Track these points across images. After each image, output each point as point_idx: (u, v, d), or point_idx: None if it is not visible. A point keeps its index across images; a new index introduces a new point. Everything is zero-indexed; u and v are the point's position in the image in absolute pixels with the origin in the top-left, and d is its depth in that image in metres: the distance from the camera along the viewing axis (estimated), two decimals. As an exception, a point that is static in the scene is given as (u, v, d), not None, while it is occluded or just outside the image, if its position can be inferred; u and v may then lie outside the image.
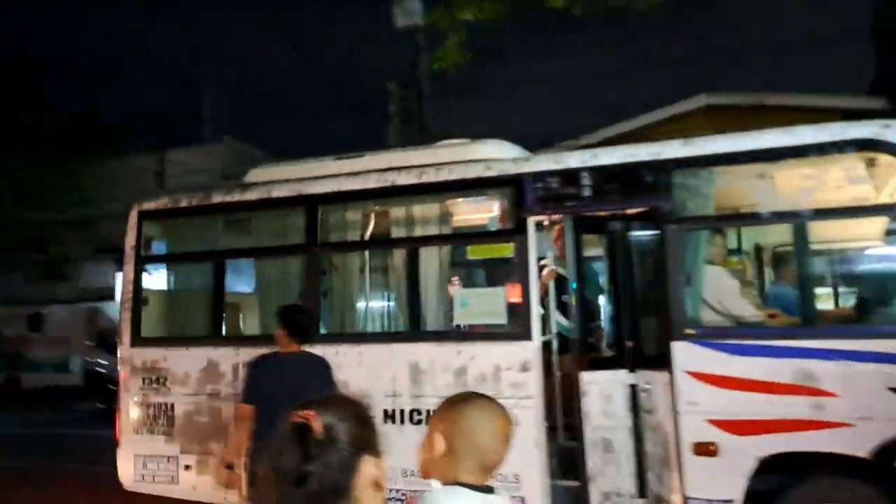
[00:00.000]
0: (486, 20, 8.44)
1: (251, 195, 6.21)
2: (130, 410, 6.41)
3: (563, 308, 5.80)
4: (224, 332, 6.56)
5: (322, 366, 4.70)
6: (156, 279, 6.97)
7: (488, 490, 1.78)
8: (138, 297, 6.51)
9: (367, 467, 1.42)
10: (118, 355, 6.60)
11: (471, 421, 1.79)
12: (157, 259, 6.84)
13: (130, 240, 6.56)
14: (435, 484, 1.78)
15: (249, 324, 7.28)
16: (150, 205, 6.69)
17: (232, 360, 5.95)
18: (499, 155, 5.63)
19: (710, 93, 12.94)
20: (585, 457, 4.93)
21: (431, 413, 1.94)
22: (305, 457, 1.37)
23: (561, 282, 5.70)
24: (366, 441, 1.46)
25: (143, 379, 6.31)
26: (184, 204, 6.50)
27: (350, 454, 1.41)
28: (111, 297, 24.29)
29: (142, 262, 6.57)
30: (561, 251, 5.74)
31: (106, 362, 19.78)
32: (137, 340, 6.46)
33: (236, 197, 6.29)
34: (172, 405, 6.16)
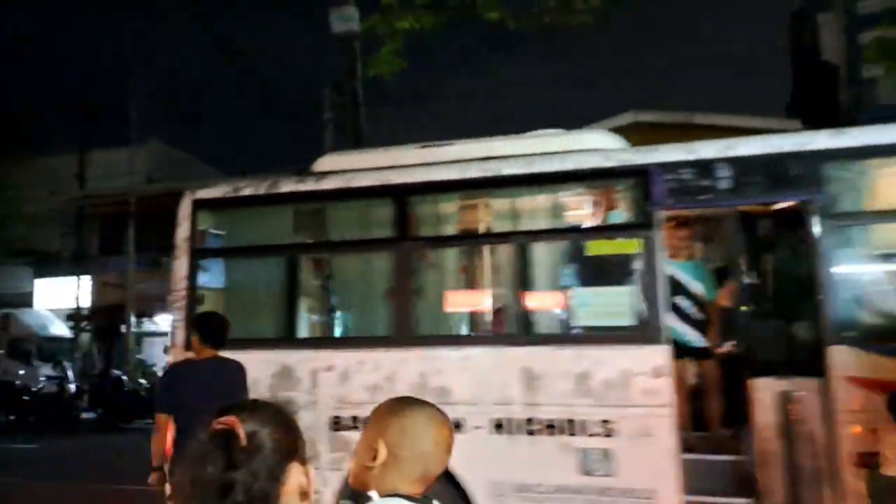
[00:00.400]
0: (424, 29, 8.47)
1: (328, 184, 5.65)
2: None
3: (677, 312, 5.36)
4: (299, 333, 5.93)
5: (237, 371, 4.60)
6: (212, 276, 6.18)
7: (427, 502, 1.68)
8: (194, 295, 5.78)
9: (294, 475, 1.38)
10: (169, 358, 5.88)
11: (417, 428, 1.69)
12: (215, 253, 6.16)
13: (183, 232, 5.85)
14: (374, 495, 1.66)
15: (325, 325, 6.57)
16: (206, 193, 5.98)
17: (309, 364, 5.38)
18: (609, 145, 5.33)
19: (638, 110, 13.33)
20: (756, 471, 4.61)
21: (367, 418, 1.78)
22: (229, 465, 1.31)
23: (673, 285, 5.23)
24: (292, 447, 1.41)
25: None
26: (247, 193, 5.85)
27: (276, 461, 1.36)
28: (28, 303, 23.20)
29: (197, 257, 5.84)
30: (676, 251, 5.43)
31: (22, 371, 18.80)
32: None
33: (311, 186, 5.72)
34: None
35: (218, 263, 6.19)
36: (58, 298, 22.66)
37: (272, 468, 1.35)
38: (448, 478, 4.68)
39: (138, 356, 20.07)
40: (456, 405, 4.77)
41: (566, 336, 5.08)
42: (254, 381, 5.33)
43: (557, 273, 5.42)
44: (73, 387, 17.96)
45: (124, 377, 17.74)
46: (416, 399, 1.81)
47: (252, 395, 5.35)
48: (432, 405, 1.78)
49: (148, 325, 20.86)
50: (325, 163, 6.00)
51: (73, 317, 21.29)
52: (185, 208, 5.91)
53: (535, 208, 5.53)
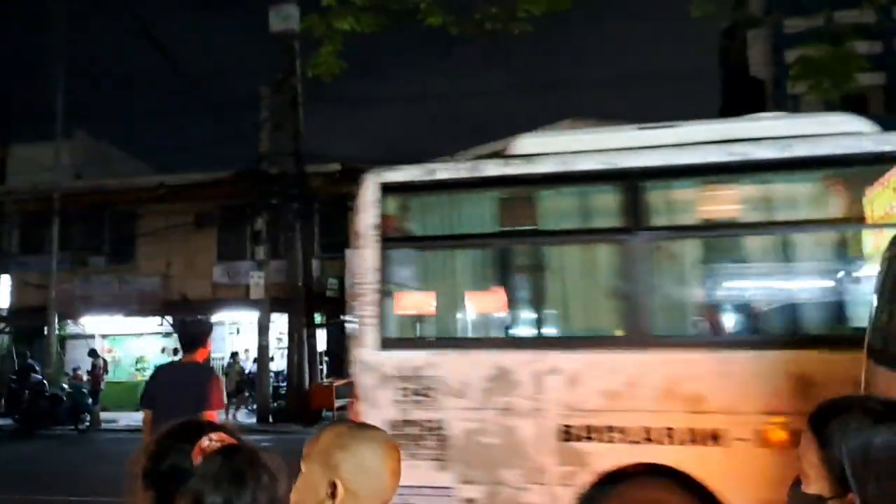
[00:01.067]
0: (364, 31, 8.39)
1: (543, 167, 5.09)
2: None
3: None
4: (515, 332, 5.49)
5: (203, 378, 4.60)
6: (401, 268, 5.60)
7: None
8: (384, 288, 5.21)
9: None
10: (356, 359, 5.19)
11: (374, 461, 1.54)
12: (406, 242, 5.61)
13: (368, 218, 5.24)
14: None
15: (543, 323, 5.95)
16: (394, 176, 5.36)
17: (530, 366, 4.78)
18: (863, 129, 4.80)
19: (576, 118, 13.58)
20: None
21: (305, 452, 1.60)
22: (250, 490, 1.26)
23: None
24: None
25: (401, 390, 5.00)
26: (445, 176, 5.31)
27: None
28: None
29: (386, 247, 5.25)
30: None
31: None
32: (388, 343, 5.14)
33: (522, 169, 5.16)
34: (445, 422, 4.89)
35: (408, 254, 5.61)
36: (-26, 298, 21.55)
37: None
38: (697, 491, 4.34)
39: (60, 360, 19.21)
40: (713, 414, 4.40)
41: (850, 338, 4.16)
42: (462, 385, 4.88)
43: (830, 267, 4.89)
44: (-13, 392, 17.09)
45: (45, 381, 16.96)
46: (359, 425, 1.67)
47: (464, 400, 4.87)
48: (378, 430, 1.65)
49: (71, 328, 20.03)
50: (524, 145, 5.39)
51: (-9, 318, 20.31)
52: (369, 192, 5.29)
53: (791, 196, 5.01)
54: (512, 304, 5.52)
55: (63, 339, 19.64)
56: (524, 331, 5.71)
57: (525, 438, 4.75)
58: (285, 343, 17.67)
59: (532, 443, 4.71)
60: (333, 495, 1.51)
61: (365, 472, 1.52)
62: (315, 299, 17.34)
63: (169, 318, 19.44)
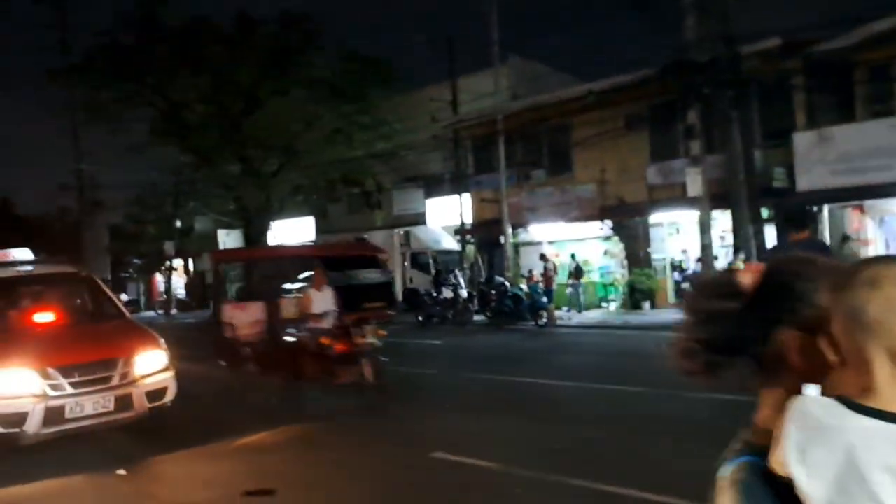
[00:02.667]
0: None
1: None
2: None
3: None
4: None
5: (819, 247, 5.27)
6: None
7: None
8: None
9: None
10: None
11: None
12: None
13: None
14: (813, 389, 1.09)
15: None
16: None
17: None
18: None
19: None
20: None
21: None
22: None
23: None
24: None
25: None
26: None
27: None
28: (422, 221, 26.37)
29: None
30: None
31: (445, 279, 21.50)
32: None
33: None
34: None
35: None
36: (445, 215, 25.27)
37: None
38: None
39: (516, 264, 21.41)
40: None
41: None
42: None
43: None
44: (464, 293, 19.97)
45: (507, 283, 19.11)
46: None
47: None
48: None
49: (522, 236, 22.09)
50: None
51: (459, 231, 23.57)
52: None
53: None
54: None
55: (517, 247, 21.79)
56: None
57: None
58: (729, 241, 16.75)
59: None
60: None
61: None
62: (760, 192, 15.96)
63: (608, 223, 20.05)
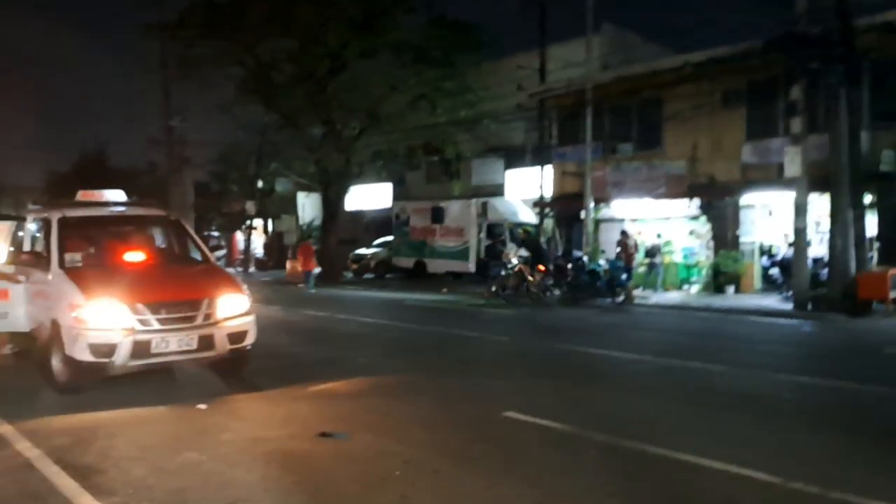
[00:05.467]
0: None
1: None
2: None
3: None
4: None
5: None
6: None
7: None
8: None
9: None
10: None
11: None
12: None
13: None
14: None
15: None
16: None
17: None
18: None
19: None
20: None
21: None
22: None
23: None
24: None
25: None
26: None
27: None
28: (500, 192, 26.07)
29: None
30: None
31: (499, 250, 21.32)
32: None
33: None
34: None
35: None
36: (524, 188, 24.85)
37: None
38: None
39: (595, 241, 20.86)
40: None
41: None
42: None
43: None
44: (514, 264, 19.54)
45: (585, 259, 18.65)
46: None
47: None
48: None
49: (604, 212, 21.49)
50: None
51: (538, 204, 23.12)
52: None
53: None
54: None
55: (597, 223, 21.22)
56: None
57: None
58: (824, 226, 15.81)
59: None
60: None
61: None
62: (863, 176, 14.96)
63: (696, 201, 19.27)
